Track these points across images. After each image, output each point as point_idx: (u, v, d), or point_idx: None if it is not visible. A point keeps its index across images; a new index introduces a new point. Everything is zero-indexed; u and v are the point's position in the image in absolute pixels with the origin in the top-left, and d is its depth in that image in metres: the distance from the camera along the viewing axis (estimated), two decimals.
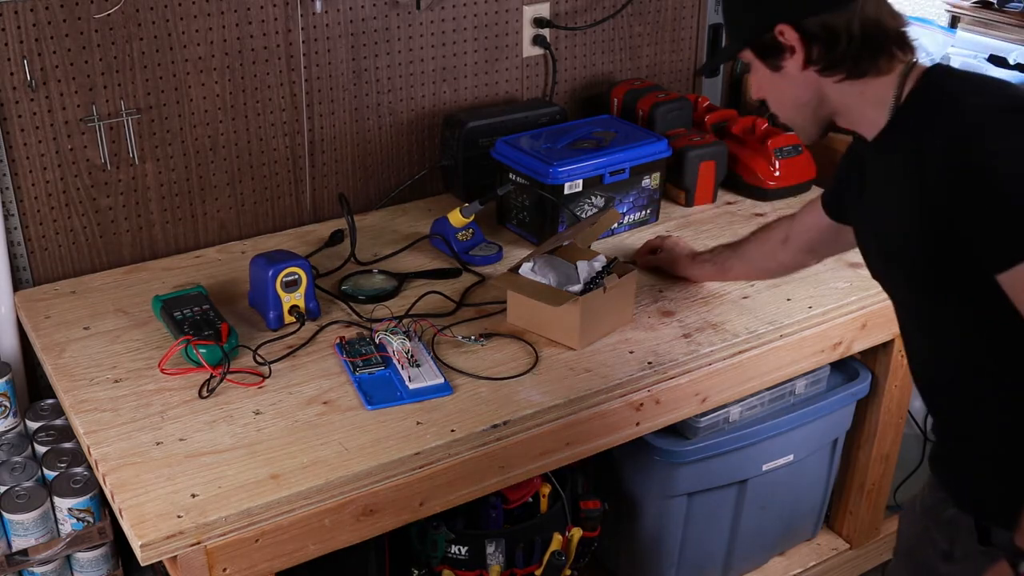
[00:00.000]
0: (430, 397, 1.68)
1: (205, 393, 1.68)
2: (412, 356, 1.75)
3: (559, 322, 1.81)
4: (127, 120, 2.00)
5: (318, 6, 2.12)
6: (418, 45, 2.29)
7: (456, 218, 2.09)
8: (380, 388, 1.70)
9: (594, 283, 1.83)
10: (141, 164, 2.06)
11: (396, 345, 1.75)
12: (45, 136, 1.94)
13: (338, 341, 1.81)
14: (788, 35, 1.34)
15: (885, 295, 2.05)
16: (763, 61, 1.39)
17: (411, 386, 1.70)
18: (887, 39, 1.34)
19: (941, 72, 1.34)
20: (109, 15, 1.92)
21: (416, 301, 1.95)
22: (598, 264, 1.88)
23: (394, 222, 2.28)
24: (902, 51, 1.35)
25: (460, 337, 1.82)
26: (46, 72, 1.90)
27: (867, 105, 1.36)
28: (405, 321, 1.86)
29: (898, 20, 1.36)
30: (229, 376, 1.71)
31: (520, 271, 1.87)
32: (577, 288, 1.83)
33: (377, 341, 1.79)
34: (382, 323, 1.85)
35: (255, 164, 2.19)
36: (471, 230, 2.13)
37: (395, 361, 1.74)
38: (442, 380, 1.71)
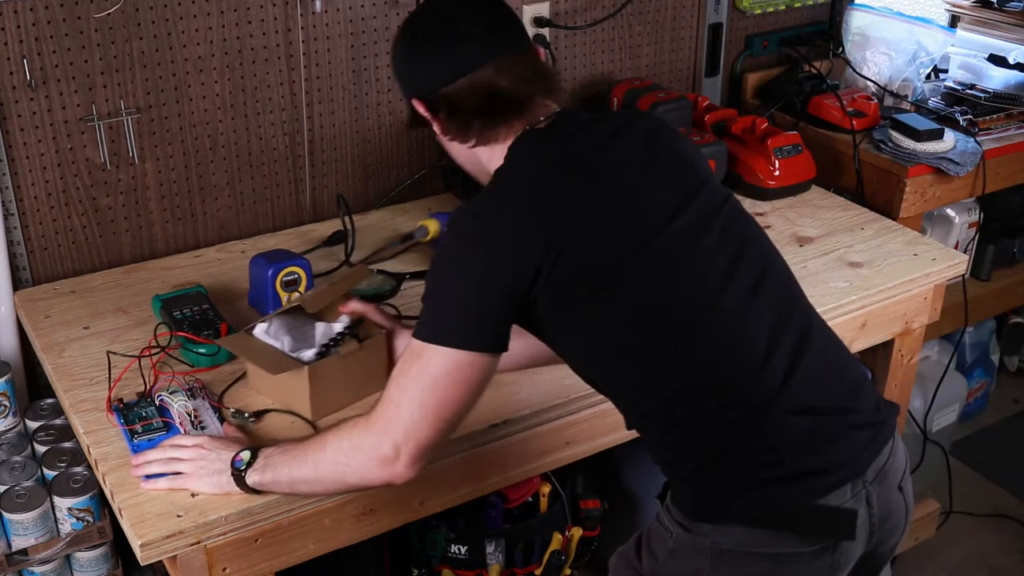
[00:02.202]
0: None
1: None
2: (196, 417, 1.61)
3: (292, 391, 1.61)
4: (127, 120, 2.00)
5: (318, 6, 2.12)
6: None
7: (434, 227, 2.09)
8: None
9: (330, 349, 1.63)
10: (141, 164, 2.06)
11: (177, 407, 1.59)
12: (45, 136, 1.94)
13: (116, 404, 1.63)
14: (420, 108, 1.44)
15: (886, 295, 2.07)
16: (419, 126, 1.48)
17: None
18: (505, 108, 1.40)
19: (516, 147, 1.40)
20: (109, 15, 1.92)
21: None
22: (338, 326, 1.65)
23: (394, 222, 2.28)
24: (520, 118, 1.40)
25: None
26: (46, 72, 1.90)
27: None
28: (187, 379, 1.69)
29: (531, 85, 1.41)
30: None
31: (255, 332, 1.65)
32: (311, 353, 1.62)
33: (158, 403, 1.63)
34: (161, 381, 1.68)
35: (255, 164, 2.19)
36: None
37: (177, 425, 1.58)
38: None
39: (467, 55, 1.40)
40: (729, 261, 1.39)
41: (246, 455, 1.44)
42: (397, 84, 1.50)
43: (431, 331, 1.31)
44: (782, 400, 1.36)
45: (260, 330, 1.65)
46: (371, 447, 1.34)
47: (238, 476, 1.43)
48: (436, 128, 1.45)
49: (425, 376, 1.31)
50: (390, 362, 1.68)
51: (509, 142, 1.42)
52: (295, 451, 1.41)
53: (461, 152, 1.47)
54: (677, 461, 1.41)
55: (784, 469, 1.35)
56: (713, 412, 1.36)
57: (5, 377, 1.86)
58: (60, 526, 1.80)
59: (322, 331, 1.64)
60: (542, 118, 1.43)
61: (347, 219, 2.11)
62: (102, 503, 1.80)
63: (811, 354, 1.40)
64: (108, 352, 1.75)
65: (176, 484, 1.46)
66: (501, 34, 1.43)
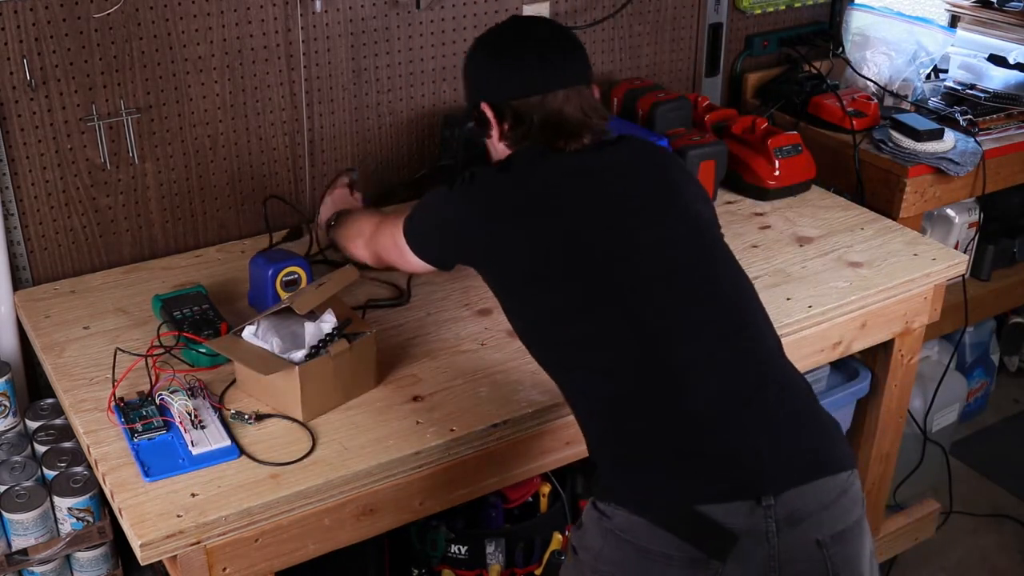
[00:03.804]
0: (215, 463, 1.54)
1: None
2: (196, 417, 1.60)
3: (282, 392, 1.62)
4: (127, 120, 2.00)
5: (318, 6, 2.12)
6: (418, 45, 2.29)
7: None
8: (160, 456, 1.54)
9: (319, 349, 1.63)
10: (141, 164, 2.06)
11: (178, 406, 1.59)
12: (45, 136, 1.94)
13: (116, 403, 1.63)
14: (487, 111, 1.63)
15: (886, 295, 2.07)
16: (478, 128, 1.67)
17: (194, 451, 1.54)
18: (561, 131, 1.58)
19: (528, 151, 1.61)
20: (109, 15, 1.92)
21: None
22: (327, 326, 1.66)
23: None
24: (567, 144, 1.58)
25: None
26: (46, 72, 1.90)
27: None
28: (188, 378, 1.70)
29: (587, 117, 1.59)
30: None
31: (243, 334, 1.66)
32: (300, 354, 1.62)
33: (158, 402, 1.64)
34: (162, 380, 1.69)
35: (255, 164, 2.19)
36: None
37: (177, 424, 1.58)
38: (228, 443, 1.56)
39: (545, 77, 1.58)
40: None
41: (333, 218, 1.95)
42: (466, 85, 1.72)
43: (409, 232, 1.65)
44: (701, 392, 1.40)
45: (248, 332, 1.65)
46: (358, 242, 1.83)
47: (328, 227, 1.95)
48: (494, 130, 1.64)
49: (399, 242, 1.67)
50: (378, 361, 1.74)
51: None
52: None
53: (500, 151, 1.66)
54: (587, 434, 1.48)
55: (678, 461, 1.37)
56: (621, 389, 1.43)
57: (5, 377, 1.86)
58: (60, 526, 1.80)
59: (311, 332, 1.64)
60: (572, 146, 1.58)
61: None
62: (102, 503, 1.80)
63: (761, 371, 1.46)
64: (117, 349, 1.75)
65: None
66: (574, 66, 1.61)
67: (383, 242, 1.74)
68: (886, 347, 2.21)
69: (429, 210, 1.65)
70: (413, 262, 1.68)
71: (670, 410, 1.40)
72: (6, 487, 1.77)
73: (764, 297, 1.98)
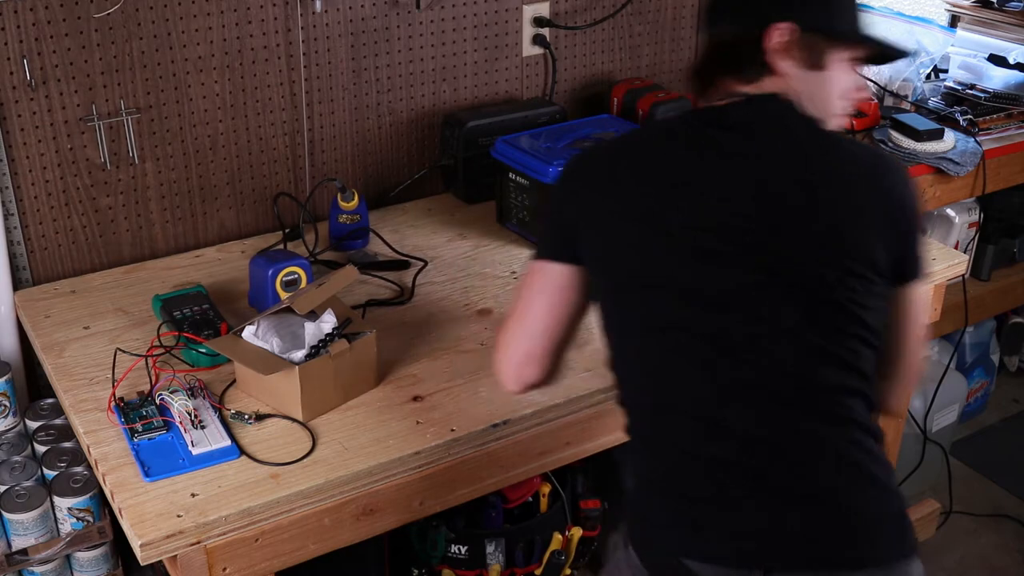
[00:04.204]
0: (215, 463, 1.53)
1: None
2: (196, 417, 1.60)
3: (282, 392, 1.62)
4: (127, 120, 2.00)
5: (318, 6, 2.12)
6: (418, 45, 2.29)
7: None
8: (160, 456, 1.54)
9: (319, 349, 1.63)
10: (141, 164, 2.06)
11: (178, 406, 1.59)
12: (45, 136, 1.94)
13: (116, 403, 1.63)
14: None
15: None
16: None
17: (194, 451, 1.54)
18: (698, 78, 1.47)
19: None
20: (109, 15, 1.92)
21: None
22: (327, 326, 1.66)
23: (393, 222, 2.28)
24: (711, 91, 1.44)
25: None
26: (46, 72, 1.90)
27: None
28: (188, 378, 1.70)
29: (699, 72, 1.46)
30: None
31: (243, 334, 1.66)
32: (300, 354, 1.62)
33: (158, 402, 1.64)
34: (162, 380, 1.69)
35: (255, 164, 2.19)
36: (358, 215, 2.12)
37: (177, 424, 1.58)
38: (229, 443, 1.56)
39: (711, 19, 1.46)
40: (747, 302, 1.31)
41: None
42: None
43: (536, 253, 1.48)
44: (731, 449, 1.29)
45: (248, 332, 1.65)
46: (496, 355, 1.52)
47: None
48: None
49: (522, 287, 1.48)
50: (378, 361, 1.72)
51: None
52: None
53: None
54: (627, 428, 1.43)
55: (683, 511, 1.31)
56: (651, 428, 1.37)
57: (5, 377, 1.86)
58: (60, 526, 1.80)
59: (311, 332, 1.63)
60: (724, 100, 1.40)
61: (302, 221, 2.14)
62: (102, 503, 1.80)
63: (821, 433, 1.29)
64: (117, 349, 1.75)
65: None
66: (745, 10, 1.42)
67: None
68: None
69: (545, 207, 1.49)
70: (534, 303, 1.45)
71: (701, 431, 1.31)
72: (6, 487, 1.77)
73: None
